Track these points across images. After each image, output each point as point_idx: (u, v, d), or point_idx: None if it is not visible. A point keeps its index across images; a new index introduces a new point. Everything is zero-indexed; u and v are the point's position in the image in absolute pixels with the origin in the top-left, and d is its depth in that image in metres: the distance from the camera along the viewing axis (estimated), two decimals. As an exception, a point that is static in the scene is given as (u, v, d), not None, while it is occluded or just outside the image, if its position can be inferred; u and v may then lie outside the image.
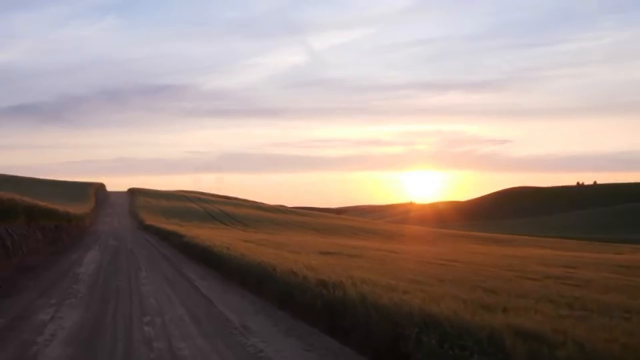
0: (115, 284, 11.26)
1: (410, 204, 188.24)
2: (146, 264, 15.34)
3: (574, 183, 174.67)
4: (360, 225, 72.96)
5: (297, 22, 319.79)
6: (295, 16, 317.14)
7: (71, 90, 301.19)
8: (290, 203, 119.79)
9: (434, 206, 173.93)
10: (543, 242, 63.92)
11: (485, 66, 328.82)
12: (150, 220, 46.65)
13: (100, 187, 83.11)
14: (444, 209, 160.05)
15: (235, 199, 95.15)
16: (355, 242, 45.13)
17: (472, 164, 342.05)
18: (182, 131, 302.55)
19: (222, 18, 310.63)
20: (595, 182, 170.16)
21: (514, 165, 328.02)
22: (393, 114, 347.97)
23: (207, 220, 58.08)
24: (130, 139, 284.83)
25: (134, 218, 52.41)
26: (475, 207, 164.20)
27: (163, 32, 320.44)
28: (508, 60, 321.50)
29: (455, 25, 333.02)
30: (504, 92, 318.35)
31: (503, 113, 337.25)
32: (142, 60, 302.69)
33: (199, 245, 17.67)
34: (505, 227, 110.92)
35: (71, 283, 11.19)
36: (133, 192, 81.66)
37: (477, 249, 45.77)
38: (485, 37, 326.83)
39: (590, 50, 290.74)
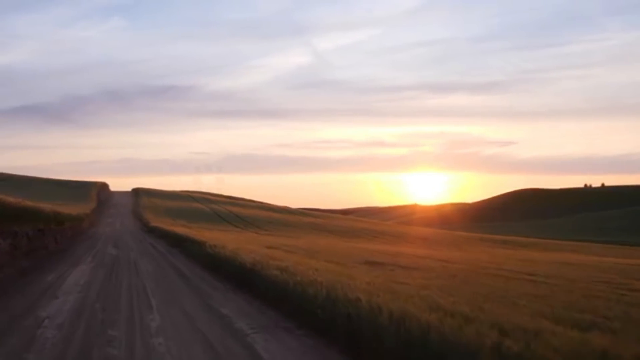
0: (102, 352, 5.54)
1: (415, 205, 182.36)
2: (158, 293, 9.61)
3: (580, 185, 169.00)
4: (376, 228, 67.23)
5: (302, 23, 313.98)
6: (300, 17, 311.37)
7: (76, 91, 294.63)
8: (294, 204, 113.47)
9: (438, 208, 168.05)
10: (574, 247, 58.35)
11: (490, 67, 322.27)
12: (156, 221, 41.06)
13: (103, 186, 77.26)
14: (449, 211, 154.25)
15: (242, 199, 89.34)
16: (385, 246, 39.47)
17: (477, 166, 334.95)
18: (186, 132, 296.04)
19: (227, 19, 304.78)
20: (603, 184, 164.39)
21: (518, 167, 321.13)
22: (397, 115, 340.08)
23: (215, 222, 52.50)
24: (135, 140, 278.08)
25: (138, 219, 46.69)
26: (483, 209, 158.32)
27: (167, 33, 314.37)
28: (513, 61, 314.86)
29: (460, 26, 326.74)
30: (509, 94, 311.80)
31: (508, 115, 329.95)
32: (147, 61, 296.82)
33: (234, 260, 11.94)
34: (517, 229, 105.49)
35: (16, 355, 5.46)
36: (137, 192, 75.88)
37: (519, 254, 40.02)
38: (490, 38, 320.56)
39: (596, 52, 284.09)
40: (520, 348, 4.23)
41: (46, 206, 19.95)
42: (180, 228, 33.28)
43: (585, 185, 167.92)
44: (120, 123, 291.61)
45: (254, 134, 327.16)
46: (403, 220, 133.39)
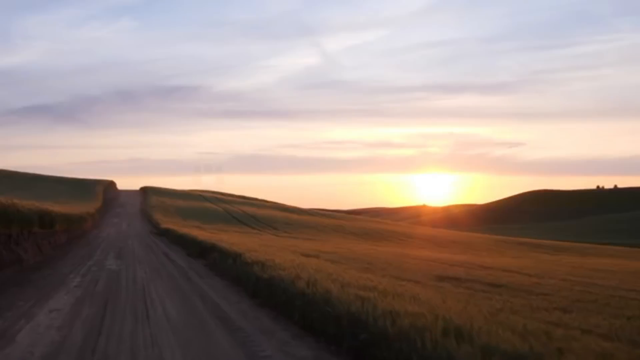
0: None
1: (424, 206, 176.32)
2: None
3: (590, 186, 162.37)
4: (399, 230, 61.58)
5: (311, 23, 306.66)
6: (309, 18, 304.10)
7: (85, 91, 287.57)
8: (302, 204, 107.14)
9: (448, 209, 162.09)
10: (609, 251, 52.58)
11: (499, 68, 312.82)
12: (167, 222, 35.64)
13: (110, 184, 71.68)
14: (460, 212, 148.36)
15: (254, 199, 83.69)
16: (426, 252, 33.86)
17: (485, 167, 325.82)
18: (194, 132, 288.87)
19: (236, 20, 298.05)
20: (615, 186, 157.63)
21: (527, 168, 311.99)
22: (406, 116, 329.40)
23: (229, 223, 46.99)
24: (143, 140, 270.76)
25: (147, 220, 41.25)
26: (495, 211, 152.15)
27: (177, 33, 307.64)
28: (522, 62, 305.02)
29: (469, 27, 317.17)
30: (518, 95, 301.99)
31: (517, 116, 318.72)
32: (156, 62, 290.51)
33: (324, 299, 6.34)
34: (532, 231, 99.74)
35: None
36: (146, 191, 70.37)
37: (578, 262, 34.26)
38: (500, 39, 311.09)
39: (606, 53, 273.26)
40: None
41: (25, 204, 14.41)
42: (196, 231, 27.85)
43: (598, 186, 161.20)
44: (129, 123, 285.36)
45: (262, 134, 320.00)
46: (413, 221, 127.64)
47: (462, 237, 59.80)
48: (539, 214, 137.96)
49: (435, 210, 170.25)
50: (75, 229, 25.03)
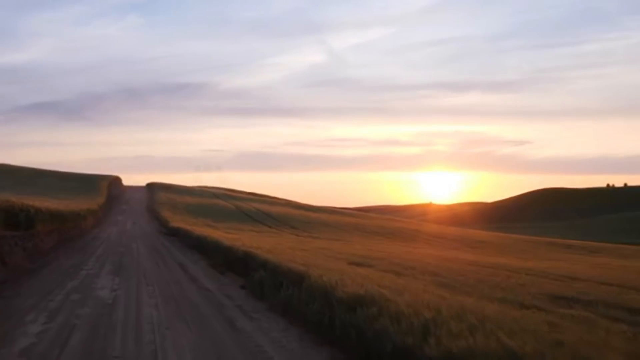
0: None
1: (430, 204, 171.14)
2: None
3: (597, 185, 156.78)
4: (420, 228, 56.68)
5: (317, 21, 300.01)
6: (315, 15, 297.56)
7: (92, 88, 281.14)
8: (308, 202, 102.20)
9: (455, 207, 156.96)
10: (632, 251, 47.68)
11: (505, 66, 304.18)
12: (176, 220, 30.96)
13: (115, 180, 66.85)
14: (467, 210, 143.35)
15: (266, 196, 78.88)
16: (469, 255, 29.11)
17: (491, 165, 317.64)
18: (200, 129, 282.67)
19: (242, 17, 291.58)
20: (625, 184, 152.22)
21: (533, 167, 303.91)
22: (411, 114, 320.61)
23: (243, 221, 42.16)
24: (149, 137, 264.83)
25: (155, 217, 36.56)
26: (504, 209, 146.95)
27: (183, 31, 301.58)
28: (529, 60, 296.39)
29: (475, 25, 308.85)
30: (525, 93, 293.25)
31: (523, 114, 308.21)
32: (162, 59, 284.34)
33: None
34: (544, 230, 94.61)
35: None
36: (152, 187, 65.64)
37: (632, 266, 29.50)
38: (506, 37, 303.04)
39: (614, 51, 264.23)
40: None
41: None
42: (211, 231, 23.19)
43: (608, 184, 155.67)
44: (135, 120, 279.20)
45: (268, 132, 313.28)
46: (421, 219, 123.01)
47: (485, 237, 54.90)
48: (547, 212, 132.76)
49: (441, 208, 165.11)
50: (69, 229, 20.35)
